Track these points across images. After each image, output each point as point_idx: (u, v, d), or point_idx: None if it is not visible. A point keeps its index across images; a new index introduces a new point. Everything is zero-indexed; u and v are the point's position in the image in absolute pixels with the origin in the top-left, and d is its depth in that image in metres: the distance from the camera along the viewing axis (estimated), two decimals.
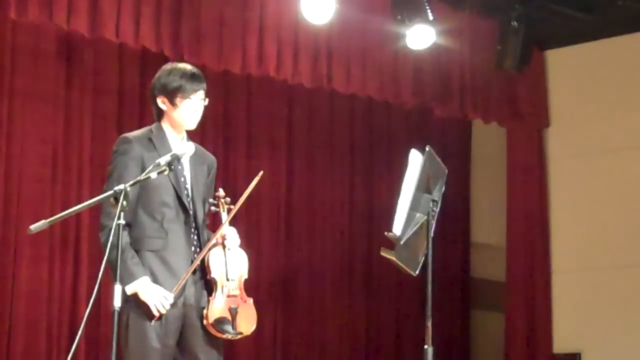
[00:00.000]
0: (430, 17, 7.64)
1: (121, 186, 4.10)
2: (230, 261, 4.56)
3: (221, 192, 4.70)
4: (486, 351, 9.51)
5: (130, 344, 4.43)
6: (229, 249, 4.57)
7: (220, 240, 4.58)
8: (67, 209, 4.27)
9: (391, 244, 4.48)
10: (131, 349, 4.43)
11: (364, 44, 7.71)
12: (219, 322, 4.47)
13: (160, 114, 4.65)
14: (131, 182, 4.19)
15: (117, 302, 4.03)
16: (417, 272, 4.66)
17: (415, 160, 4.59)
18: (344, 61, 7.61)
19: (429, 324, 4.56)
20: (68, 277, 6.97)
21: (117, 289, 4.05)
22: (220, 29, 7.03)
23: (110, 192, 4.11)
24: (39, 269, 6.84)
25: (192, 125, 4.65)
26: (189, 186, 4.60)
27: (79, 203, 4.79)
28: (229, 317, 4.50)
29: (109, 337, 4.03)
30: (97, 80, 7.28)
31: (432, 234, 4.63)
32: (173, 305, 4.44)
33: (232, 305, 4.51)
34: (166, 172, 4.26)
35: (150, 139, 4.58)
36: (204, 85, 4.65)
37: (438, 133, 9.06)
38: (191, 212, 4.56)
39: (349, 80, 7.67)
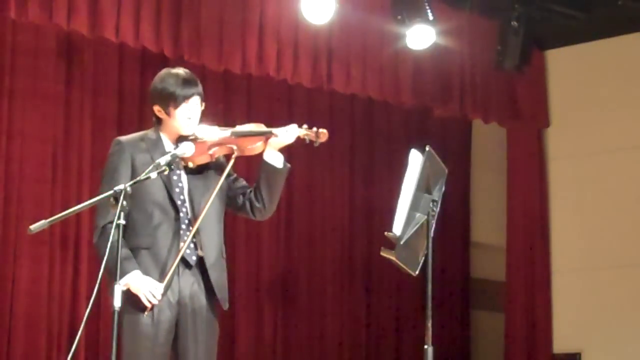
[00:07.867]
0: (430, 17, 7.64)
1: (121, 186, 4.10)
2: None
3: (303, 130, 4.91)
4: (486, 351, 9.51)
5: (124, 343, 4.41)
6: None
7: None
8: (67, 209, 4.27)
9: (391, 244, 4.49)
10: (125, 347, 4.42)
11: (364, 44, 7.71)
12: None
13: (158, 120, 4.62)
14: (131, 182, 4.19)
15: (117, 302, 4.03)
16: (417, 272, 4.67)
17: (415, 160, 4.59)
18: (344, 61, 7.60)
19: (429, 324, 4.57)
20: (68, 277, 6.97)
21: (117, 289, 4.05)
22: (220, 29, 7.03)
23: (110, 192, 4.11)
24: (39, 269, 6.84)
25: (188, 132, 4.57)
26: (182, 184, 4.54)
27: (79, 203, 4.81)
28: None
29: (109, 337, 4.03)
30: (97, 80, 7.28)
31: (432, 234, 4.63)
32: (168, 304, 4.41)
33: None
34: (166, 172, 4.27)
35: (142, 140, 4.56)
36: (198, 89, 4.57)
37: (438, 133, 9.06)
38: (184, 210, 4.50)
39: (349, 80, 7.67)
